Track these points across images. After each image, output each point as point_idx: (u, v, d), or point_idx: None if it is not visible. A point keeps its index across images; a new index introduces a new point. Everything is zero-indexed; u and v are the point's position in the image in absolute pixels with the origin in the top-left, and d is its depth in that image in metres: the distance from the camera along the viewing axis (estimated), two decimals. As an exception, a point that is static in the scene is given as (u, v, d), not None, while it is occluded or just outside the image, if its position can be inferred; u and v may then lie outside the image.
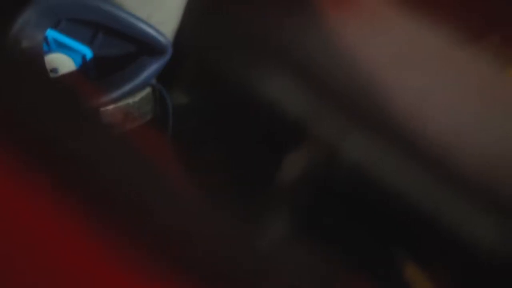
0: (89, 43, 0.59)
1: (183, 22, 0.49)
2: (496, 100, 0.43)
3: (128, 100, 0.58)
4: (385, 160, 0.39)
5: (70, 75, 0.57)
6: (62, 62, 0.59)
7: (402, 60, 0.44)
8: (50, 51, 0.58)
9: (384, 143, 0.40)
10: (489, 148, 0.39)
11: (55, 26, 0.57)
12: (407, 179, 0.39)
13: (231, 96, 0.43)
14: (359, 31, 0.44)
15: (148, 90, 0.59)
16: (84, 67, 0.59)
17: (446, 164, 0.39)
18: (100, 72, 0.59)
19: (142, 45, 0.58)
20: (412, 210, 0.38)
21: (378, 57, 0.43)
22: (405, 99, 0.42)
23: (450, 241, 0.38)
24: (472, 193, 0.38)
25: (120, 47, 0.59)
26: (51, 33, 0.57)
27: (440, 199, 0.38)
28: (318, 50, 0.41)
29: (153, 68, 0.58)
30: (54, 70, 0.58)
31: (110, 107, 0.57)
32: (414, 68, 0.44)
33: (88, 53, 0.59)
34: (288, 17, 0.42)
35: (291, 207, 0.39)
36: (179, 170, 0.43)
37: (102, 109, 0.57)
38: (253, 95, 0.41)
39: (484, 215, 0.38)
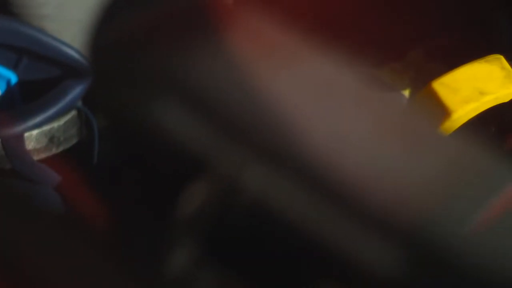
0: (14, 67, 0.58)
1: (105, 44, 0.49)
2: (406, 132, 0.43)
3: (53, 124, 0.57)
4: (287, 193, 0.39)
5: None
6: (-14, 87, 0.58)
7: (311, 94, 0.44)
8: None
9: (287, 177, 0.40)
10: (399, 182, 0.40)
11: (-21, 52, 0.56)
12: (310, 213, 0.39)
13: (136, 125, 0.42)
14: (267, 65, 0.44)
15: (73, 113, 0.59)
16: (9, 92, 0.59)
17: (351, 198, 0.39)
18: (25, 97, 0.59)
19: (66, 68, 0.57)
20: (314, 244, 0.39)
21: (286, 91, 0.43)
22: (313, 133, 0.42)
23: (354, 275, 0.38)
24: (379, 228, 0.38)
25: (45, 71, 0.58)
26: (-26, 59, 0.57)
27: (344, 232, 0.38)
28: (223, 83, 0.41)
29: (77, 91, 0.57)
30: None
31: (35, 132, 0.57)
32: (323, 102, 0.44)
33: (13, 77, 0.58)
34: (194, 51, 0.42)
35: (191, 240, 0.39)
36: (92, 203, 0.43)
37: (26, 134, 0.56)
38: (153, 126, 0.41)
39: (388, 248, 0.38)
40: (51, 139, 0.57)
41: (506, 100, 0.53)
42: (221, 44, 0.42)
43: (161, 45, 0.42)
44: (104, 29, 0.43)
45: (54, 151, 0.58)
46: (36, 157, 0.56)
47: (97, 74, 0.46)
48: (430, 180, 0.40)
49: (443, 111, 0.51)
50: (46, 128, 0.57)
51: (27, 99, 0.59)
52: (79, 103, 0.59)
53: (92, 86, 0.56)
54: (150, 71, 0.42)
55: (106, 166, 0.55)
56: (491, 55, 0.54)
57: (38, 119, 0.57)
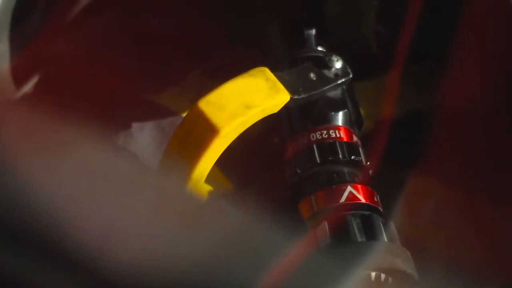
0: None
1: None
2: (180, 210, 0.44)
3: None
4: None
5: None
6: None
7: (87, 183, 0.44)
8: None
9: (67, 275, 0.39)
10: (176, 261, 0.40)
11: None
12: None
13: None
14: (41, 159, 0.43)
15: None
16: None
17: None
18: None
19: None
20: None
21: (61, 183, 0.42)
22: (88, 224, 0.41)
23: None
24: None
25: None
26: None
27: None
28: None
29: None
30: None
31: None
32: (99, 190, 0.43)
33: None
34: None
35: None
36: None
37: None
38: None
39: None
40: None
41: (275, 111, 0.53)
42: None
43: None
44: None
45: None
46: None
47: None
48: (204, 256, 0.41)
49: (211, 130, 0.50)
50: None
51: None
52: None
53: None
54: None
55: None
56: (256, 68, 0.54)
57: None
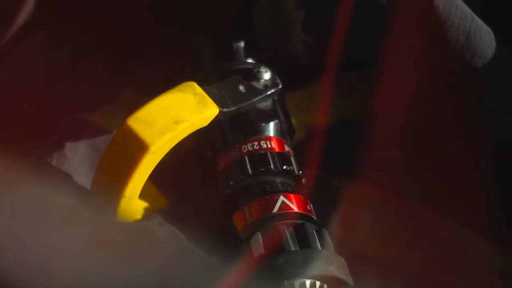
0: None
1: None
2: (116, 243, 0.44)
3: None
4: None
5: None
6: None
7: (23, 219, 0.43)
8: None
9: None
10: None
11: None
12: None
13: None
14: None
15: None
16: None
17: None
18: None
19: None
20: None
21: None
22: (23, 259, 0.41)
23: None
24: None
25: None
26: None
27: None
28: None
29: None
30: None
31: None
32: (35, 225, 0.43)
33: None
34: None
35: None
36: None
37: None
38: None
39: None
40: None
41: (204, 124, 0.53)
42: None
43: None
44: None
45: None
46: None
47: None
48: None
49: (141, 146, 0.50)
50: None
51: None
52: None
53: None
54: None
55: None
56: (184, 83, 0.54)
57: None
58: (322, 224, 0.53)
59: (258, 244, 0.50)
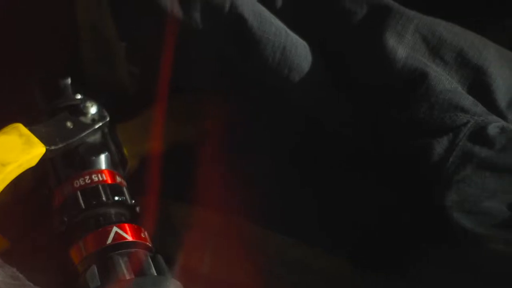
0: None
1: None
2: None
3: None
4: None
5: None
6: None
7: None
8: None
9: None
10: None
11: None
12: None
13: None
14: None
15: None
16: None
17: None
18: None
19: None
20: None
21: None
22: None
23: None
24: None
25: None
26: None
27: None
28: None
29: None
30: None
31: None
32: None
33: None
34: None
35: None
36: None
37: None
38: None
39: None
40: None
41: (32, 164, 0.54)
42: None
43: None
44: None
45: None
46: None
47: None
48: None
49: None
50: None
51: None
52: None
53: None
54: None
55: None
56: (9, 125, 0.54)
57: None
58: (159, 250, 0.55)
59: (94, 276, 0.51)
